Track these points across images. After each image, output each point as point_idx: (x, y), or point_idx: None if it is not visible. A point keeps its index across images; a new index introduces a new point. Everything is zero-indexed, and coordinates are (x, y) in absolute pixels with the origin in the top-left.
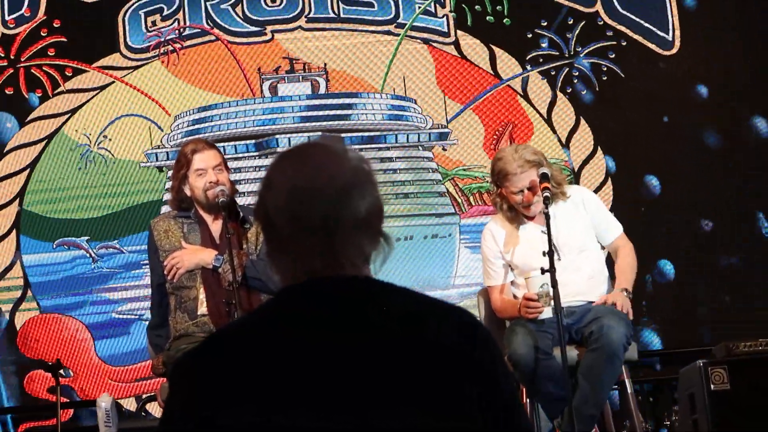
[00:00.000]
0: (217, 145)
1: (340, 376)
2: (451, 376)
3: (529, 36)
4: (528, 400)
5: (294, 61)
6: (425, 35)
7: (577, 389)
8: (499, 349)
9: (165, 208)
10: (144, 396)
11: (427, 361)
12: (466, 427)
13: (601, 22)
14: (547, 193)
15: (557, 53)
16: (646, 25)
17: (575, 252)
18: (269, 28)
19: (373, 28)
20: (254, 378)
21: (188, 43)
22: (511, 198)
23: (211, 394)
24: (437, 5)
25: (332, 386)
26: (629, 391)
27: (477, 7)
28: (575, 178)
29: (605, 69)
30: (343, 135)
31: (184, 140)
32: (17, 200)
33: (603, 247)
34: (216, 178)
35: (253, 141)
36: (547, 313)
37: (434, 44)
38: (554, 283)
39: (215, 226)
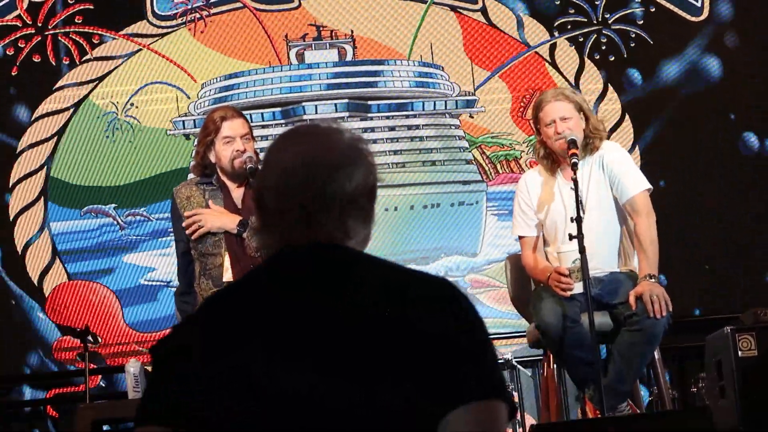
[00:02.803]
0: (244, 112)
1: (309, 335)
2: (423, 343)
3: (557, 2)
4: (555, 367)
5: (321, 28)
6: (452, 2)
7: (610, 365)
8: (480, 321)
9: (191, 175)
10: None
11: (398, 327)
12: (433, 393)
13: None
14: (575, 159)
15: (585, 20)
16: None
17: (595, 213)
18: None
19: None
20: (227, 335)
21: (215, 10)
22: (545, 135)
23: (191, 353)
24: None
25: (301, 344)
26: (656, 357)
27: None
28: None
29: (633, 36)
30: (369, 102)
31: (210, 108)
32: (45, 168)
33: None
34: (243, 147)
35: (279, 108)
36: (577, 288)
37: (461, 11)
38: (582, 249)
39: (237, 193)
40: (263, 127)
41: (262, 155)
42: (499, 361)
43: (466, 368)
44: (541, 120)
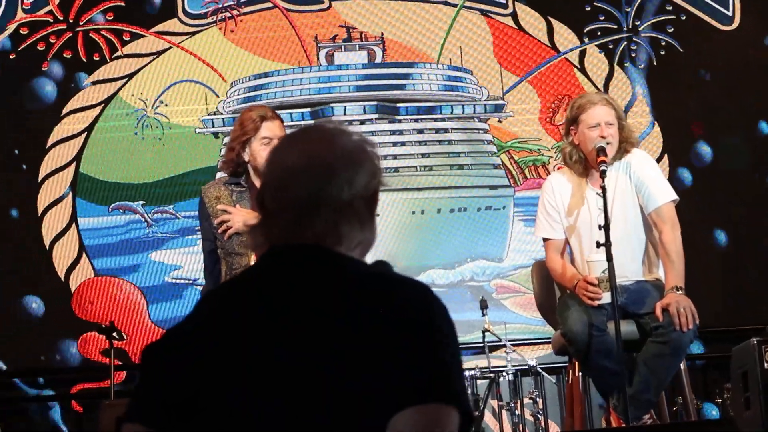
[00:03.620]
0: None
1: (276, 334)
2: (381, 342)
3: (588, 9)
4: (580, 375)
5: (351, 30)
6: (483, 6)
7: (636, 375)
8: (445, 327)
9: (220, 175)
10: None
11: (360, 327)
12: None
13: None
14: (604, 167)
15: (615, 27)
16: None
17: (621, 221)
18: None
19: None
20: (209, 335)
21: (246, 10)
22: (586, 137)
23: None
24: None
25: (269, 341)
26: (682, 368)
27: None
28: None
29: (663, 43)
30: (398, 105)
31: (240, 107)
32: (74, 163)
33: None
34: None
35: (308, 109)
36: (605, 298)
37: (492, 15)
38: (609, 257)
39: None
40: (292, 127)
41: None
42: (465, 371)
43: (419, 370)
44: (582, 121)
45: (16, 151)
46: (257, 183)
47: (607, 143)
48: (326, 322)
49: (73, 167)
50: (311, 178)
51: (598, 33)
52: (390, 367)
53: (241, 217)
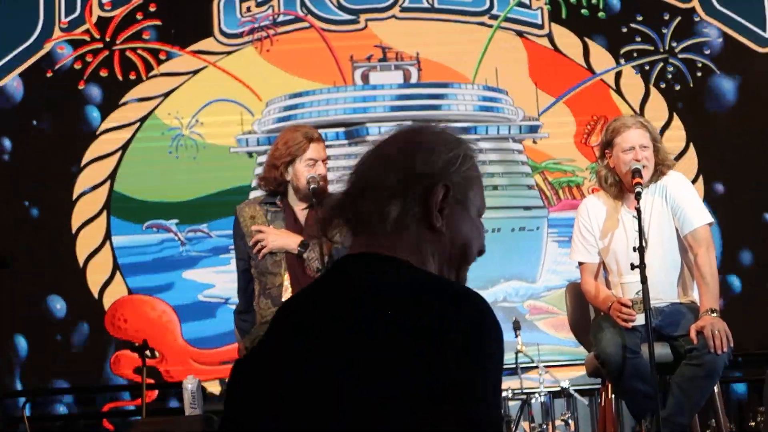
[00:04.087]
0: None
1: (307, 351)
2: (412, 355)
3: (624, 30)
4: (613, 398)
5: (386, 50)
6: (519, 27)
7: (670, 397)
8: (480, 347)
9: (254, 194)
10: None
11: (385, 337)
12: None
13: (698, 18)
14: (639, 189)
15: (652, 48)
16: (742, 21)
17: (657, 243)
18: (363, 16)
19: (466, 18)
20: (269, 342)
21: (282, 29)
22: (621, 160)
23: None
24: None
25: (310, 350)
26: (716, 391)
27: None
28: None
29: (700, 65)
30: (433, 125)
31: (275, 126)
32: (109, 182)
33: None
34: (325, 173)
35: (343, 129)
36: (639, 320)
37: (528, 36)
38: (644, 279)
39: (302, 214)
40: (327, 146)
41: (327, 173)
42: (499, 397)
43: (445, 406)
44: (617, 144)
45: (51, 170)
46: (296, 203)
47: (643, 166)
48: (347, 336)
49: (107, 185)
50: (371, 165)
51: (635, 54)
52: (413, 400)
53: (276, 237)
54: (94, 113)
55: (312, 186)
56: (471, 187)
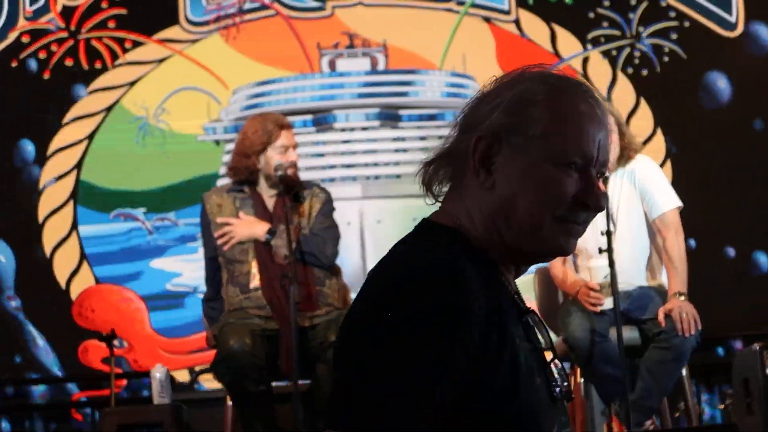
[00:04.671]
0: None
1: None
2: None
3: (591, 15)
4: (582, 382)
5: (353, 37)
6: (486, 13)
7: (638, 381)
8: (397, 330)
9: (221, 182)
10: (197, 368)
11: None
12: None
13: (664, 3)
14: (606, 174)
15: (619, 33)
16: (709, 5)
17: (625, 227)
18: (329, 3)
19: (433, 5)
20: None
21: (248, 17)
22: None
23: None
24: None
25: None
26: (684, 374)
27: None
28: None
29: (667, 50)
30: (401, 112)
31: (242, 114)
32: (75, 171)
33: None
34: (296, 159)
35: (311, 116)
36: (607, 304)
37: (495, 22)
38: (612, 263)
39: (270, 201)
40: (295, 134)
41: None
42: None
43: (346, 389)
44: None
45: (17, 159)
46: (266, 191)
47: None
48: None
49: (74, 175)
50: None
51: (602, 39)
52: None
53: (242, 227)
54: (60, 103)
55: (279, 173)
56: (542, 127)
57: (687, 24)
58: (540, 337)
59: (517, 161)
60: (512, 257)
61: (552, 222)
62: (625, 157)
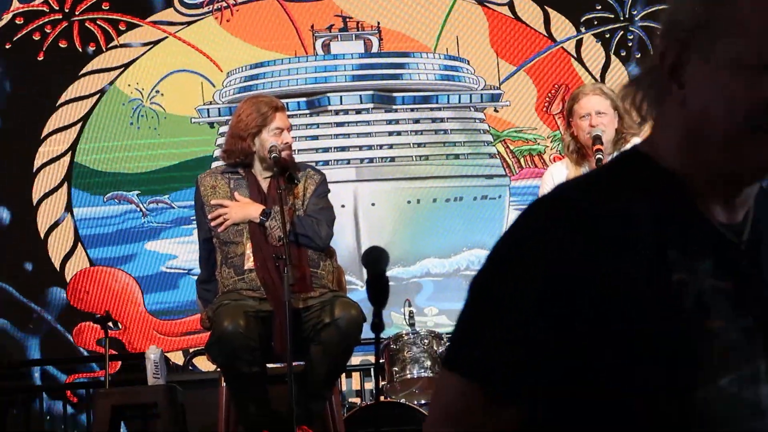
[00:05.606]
0: None
1: None
2: None
3: None
4: None
5: (347, 20)
6: None
7: None
8: (492, 274)
9: (215, 164)
10: (191, 350)
11: None
12: None
13: None
14: (599, 155)
15: (612, 16)
16: None
17: None
18: None
19: None
20: None
21: None
22: (578, 127)
23: None
24: None
25: None
26: None
27: None
28: None
29: (659, 32)
30: (394, 94)
31: (236, 96)
32: (69, 153)
33: None
34: (291, 141)
35: (304, 98)
36: None
37: (488, 5)
38: None
39: (264, 183)
40: (288, 117)
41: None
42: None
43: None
44: (575, 112)
45: (11, 142)
46: (260, 173)
47: (602, 131)
48: None
49: (68, 157)
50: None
51: (595, 22)
52: None
53: (237, 209)
54: (54, 85)
55: (273, 155)
56: (728, 27)
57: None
58: None
59: (705, 68)
60: (717, 181)
61: (749, 134)
62: (621, 140)
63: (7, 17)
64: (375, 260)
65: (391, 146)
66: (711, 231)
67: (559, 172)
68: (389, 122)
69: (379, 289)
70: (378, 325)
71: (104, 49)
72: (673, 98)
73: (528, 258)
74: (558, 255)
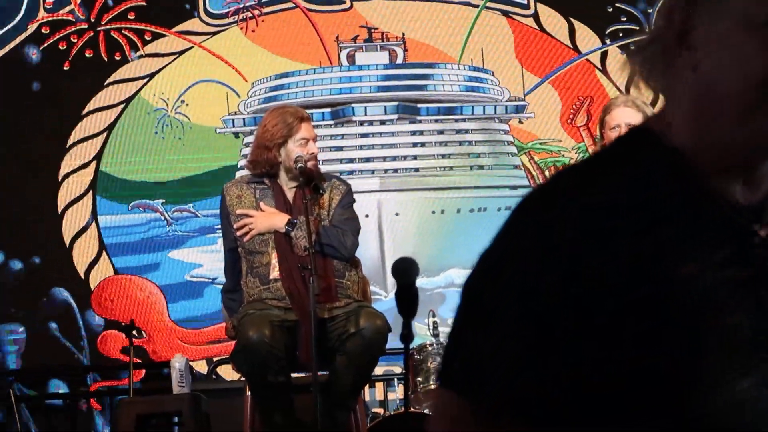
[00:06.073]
0: None
1: None
2: None
3: (610, 10)
4: None
5: (372, 30)
6: (504, 7)
7: None
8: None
9: (240, 173)
10: (215, 359)
11: None
12: None
13: None
14: None
15: (637, 28)
16: None
17: None
18: None
19: None
20: None
21: (267, 9)
22: (608, 139)
23: None
24: None
25: None
26: None
27: None
28: None
29: None
30: (419, 105)
31: (261, 107)
32: (95, 162)
33: None
34: (316, 151)
35: (329, 109)
36: None
37: (513, 16)
38: None
39: (290, 193)
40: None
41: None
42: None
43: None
44: (606, 123)
45: (37, 150)
46: (286, 183)
47: None
48: None
49: (93, 166)
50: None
51: (620, 34)
52: None
53: (263, 219)
54: (80, 94)
55: (299, 165)
56: None
57: None
58: None
59: (715, 30)
60: (732, 156)
61: (765, 99)
62: None
63: (33, 27)
64: (405, 271)
65: (415, 157)
66: (726, 215)
67: None
68: (413, 133)
69: (408, 300)
70: (407, 336)
71: (130, 59)
72: (682, 66)
73: (516, 258)
74: (549, 254)
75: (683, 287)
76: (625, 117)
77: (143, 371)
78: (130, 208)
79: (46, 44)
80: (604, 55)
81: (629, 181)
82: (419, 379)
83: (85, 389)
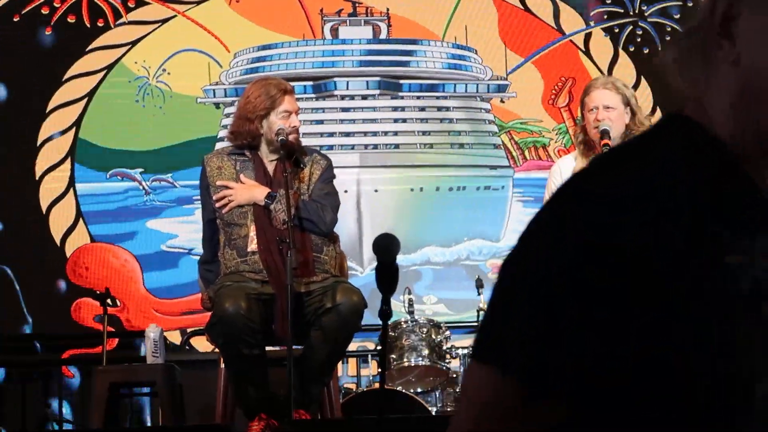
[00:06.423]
0: None
1: None
2: None
3: None
4: None
5: (357, 4)
6: None
7: None
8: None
9: (220, 144)
10: (189, 330)
11: None
12: None
13: None
14: (606, 149)
15: (622, 10)
16: None
17: None
18: None
19: None
20: None
21: None
22: (586, 120)
23: None
24: None
25: None
26: None
27: None
28: None
29: (669, 29)
30: (401, 81)
31: (243, 78)
32: (74, 129)
33: None
34: (298, 124)
35: (311, 83)
36: None
37: None
38: None
39: (270, 166)
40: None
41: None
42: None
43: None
44: (585, 105)
45: (16, 116)
46: (267, 156)
47: (608, 126)
48: None
49: (72, 133)
50: None
51: (605, 16)
52: None
53: (242, 191)
54: (60, 59)
55: (280, 138)
56: None
57: (690, 3)
58: None
59: (759, 20)
60: None
61: None
62: (630, 136)
63: None
64: (386, 247)
65: (396, 133)
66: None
67: (567, 165)
68: (395, 109)
69: (388, 277)
70: (386, 313)
71: (112, 26)
72: (724, 57)
73: (564, 233)
74: (592, 237)
75: (731, 276)
76: (603, 99)
77: (117, 340)
78: (108, 176)
79: (28, 8)
80: (587, 37)
81: (675, 170)
82: (393, 356)
83: (56, 356)
